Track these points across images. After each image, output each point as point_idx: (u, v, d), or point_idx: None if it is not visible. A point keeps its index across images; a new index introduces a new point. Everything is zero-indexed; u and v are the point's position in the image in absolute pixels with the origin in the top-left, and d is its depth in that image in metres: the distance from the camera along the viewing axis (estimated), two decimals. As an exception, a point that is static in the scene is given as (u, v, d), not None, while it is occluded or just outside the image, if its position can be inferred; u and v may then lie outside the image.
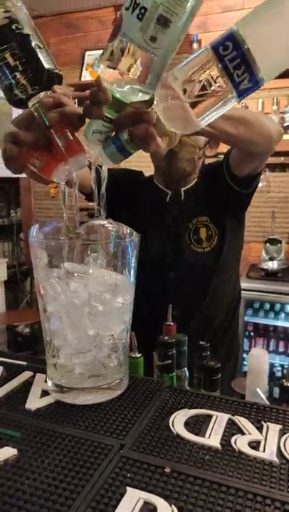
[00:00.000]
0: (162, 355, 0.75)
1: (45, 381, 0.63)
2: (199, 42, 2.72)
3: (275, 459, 0.47)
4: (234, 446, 0.49)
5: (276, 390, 0.83)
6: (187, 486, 0.42)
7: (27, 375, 0.66)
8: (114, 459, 0.46)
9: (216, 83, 0.46)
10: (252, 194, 1.04)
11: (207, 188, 1.09)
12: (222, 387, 0.71)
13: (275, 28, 0.45)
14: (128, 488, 0.42)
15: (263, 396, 0.73)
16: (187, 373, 0.82)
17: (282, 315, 2.38)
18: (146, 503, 0.40)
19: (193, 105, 0.48)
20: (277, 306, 2.38)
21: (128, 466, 0.45)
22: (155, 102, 0.49)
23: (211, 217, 1.07)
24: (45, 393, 0.60)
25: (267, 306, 2.39)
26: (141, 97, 0.48)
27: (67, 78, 3.04)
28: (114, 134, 0.54)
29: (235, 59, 0.43)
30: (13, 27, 0.49)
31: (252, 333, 2.45)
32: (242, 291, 1.29)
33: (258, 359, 0.77)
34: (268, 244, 2.49)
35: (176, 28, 0.44)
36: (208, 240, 1.07)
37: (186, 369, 0.82)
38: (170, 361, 0.75)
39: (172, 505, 0.39)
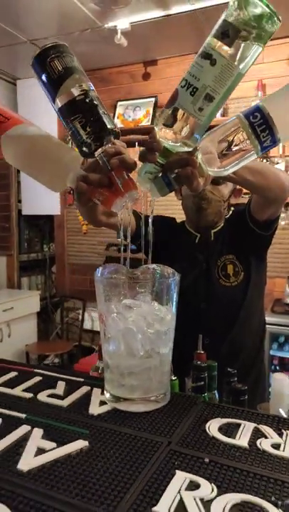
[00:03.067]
0: (196, 377, 0.87)
1: (102, 393, 0.77)
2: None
3: (292, 456, 0.59)
4: (259, 447, 0.61)
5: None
6: (223, 472, 0.55)
7: (85, 389, 0.80)
8: (164, 451, 0.59)
9: (244, 142, 0.63)
10: (272, 236, 1.19)
11: (232, 230, 1.25)
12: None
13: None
14: (177, 471, 0.54)
15: (284, 415, 0.84)
16: (217, 396, 0.94)
17: (307, 349, 2.44)
18: (192, 482, 0.53)
19: (225, 157, 0.65)
20: (302, 341, 2.44)
21: (176, 456, 0.58)
22: (199, 154, 0.66)
23: (237, 256, 1.22)
24: (103, 403, 0.74)
25: (291, 340, 2.46)
26: (186, 149, 0.65)
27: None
28: (161, 174, 0.70)
29: (262, 125, 0.62)
30: (87, 100, 0.66)
31: (278, 367, 2.51)
32: (267, 326, 1.39)
33: (281, 382, 0.88)
34: (291, 280, 2.58)
35: (217, 103, 0.61)
36: (235, 275, 1.21)
37: (216, 392, 0.93)
38: (202, 383, 0.87)
39: (212, 484, 0.52)
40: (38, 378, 0.85)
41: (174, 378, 0.90)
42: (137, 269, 0.71)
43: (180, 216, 1.36)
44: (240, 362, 1.20)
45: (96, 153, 0.67)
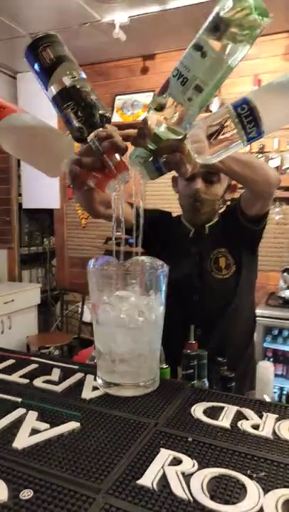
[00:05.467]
0: (185, 365, 0.91)
1: (95, 379, 0.81)
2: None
3: (270, 436, 0.63)
4: (240, 427, 0.65)
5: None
6: (204, 449, 0.59)
7: (79, 375, 0.84)
8: (151, 431, 0.63)
9: (231, 131, 0.66)
10: (262, 230, 1.22)
11: (225, 224, 1.28)
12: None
13: (276, 102, 0.66)
14: (162, 448, 0.59)
15: (269, 400, 0.88)
16: (207, 384, 0.98)
17: (301, 341, 2.48)
18: (174, 458, 0.57)
19: (212, 145, 0.67)
20: (296, 333, 2.49)
21: (161, 436, 0.62)
22: (188, 141, 0.69)
23: (229, 249, 1.26)
24: (95, 388, 0.78)
25: (285, 332, 2.50)
26: (175, 136, 0.67)
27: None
28: (152, 158, 0.72)
29: (248, 116, 0.64)
30: (78, 86, 0.69)
31: (271, 359, 2.55)
32: (262, 318, 1.42)
33: (266, 370, 0.92)
34: (285, 274, 2.62)
35: (206, 94, 0.63)
36: (227, 268, 1.25)
37: (206, 380, 0.97)
38: (192, 371, 0.92)
39: (193, 460, 0.56)
40: (34, 366, 0.89)
41: (165, 366, 0.94)
42: (127, 261, 0.75)
43: (176, 210, 1.39)
44: (230, 352, 1.23)
45: (89, 138, 0.69)
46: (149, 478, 0.52)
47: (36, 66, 0.70)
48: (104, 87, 3.52)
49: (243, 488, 0.51)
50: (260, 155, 2.76)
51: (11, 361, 0.92)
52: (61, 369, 0.87)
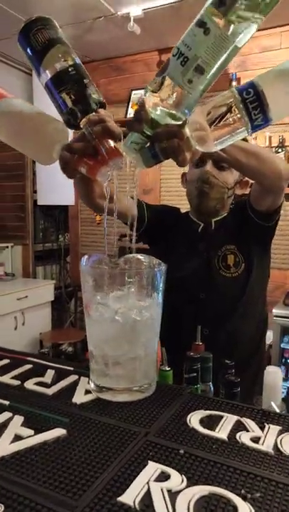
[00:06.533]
0: (188, 368, 0.86)
1: (88, 383, 0.77)
2: (238, 80, 2.88)
3: (270, 450, 0.57)
4: (238, 440, 0.60)
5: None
6: (196, 463, 0.54)
7: (73, 378, 0.80)
8: (140, 442, 0.59)
9: (234, 117, 0.60)
10: (274, 227, 1.15)
11: (235, 220, 1.22)
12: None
13: (284, 86, 0.60)
14: (150, 461, 0.54)
15: (276, 408, 0.83)
16: (212, 388, 0.93)
17: None
18: (162, 472, 0.52)
19: (213, 132, 0.62)
20: (314, 334, 2.39)
21: (151, 447, 0.57)
22: (187, 127, 0.64)
23: (239, 246, 1.19)
24: (88, 392, 0.74)
25: (303, 333, 2.41)
26: (174, 121, 0.62)
27: (114, 115, 3.30)
28: (148, 145, 0.67)
29: (254, 102, 0.58)
30: (70, 70, 0.65)
31: (288, 361, 2.47)
32: (279, 319, 1.34)
33: (273, 375, 0.86)
34: (303, 272, 2.52)
35: (208, 76, 0.57)
36: (236, 266, 1.18)
37: (211, 384, 0.92)
38: (195, 374, 0.86)
39: (182, 475, 0.51)
40: (28, 366, 0.86)
41: (167, 369, 0.90)
42: (119, 259, 0.71)
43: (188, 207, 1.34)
44: (239, 353, 1.18)
45: (81, 124, 0.66)
46: (131, 495, 0.47)
47: (29, 50, 0.67)
48: (120, 82, 3.48)
49: (235, 510, 0.46)
50: (280, 149, 2.67)
51: (5, 361, 0.89)
52: (56, 370, 0.84)
